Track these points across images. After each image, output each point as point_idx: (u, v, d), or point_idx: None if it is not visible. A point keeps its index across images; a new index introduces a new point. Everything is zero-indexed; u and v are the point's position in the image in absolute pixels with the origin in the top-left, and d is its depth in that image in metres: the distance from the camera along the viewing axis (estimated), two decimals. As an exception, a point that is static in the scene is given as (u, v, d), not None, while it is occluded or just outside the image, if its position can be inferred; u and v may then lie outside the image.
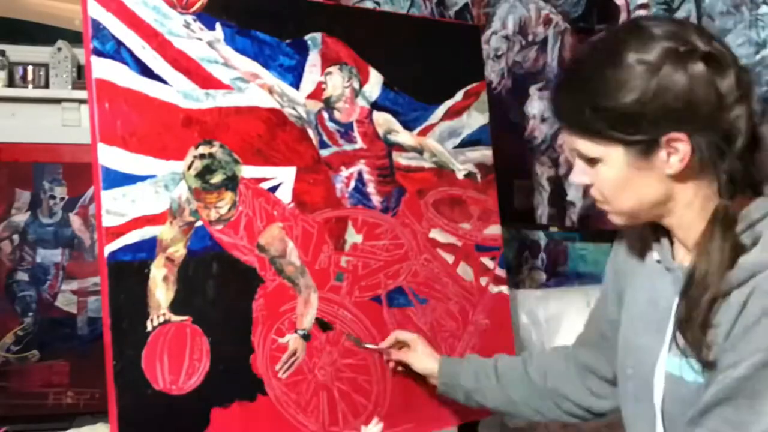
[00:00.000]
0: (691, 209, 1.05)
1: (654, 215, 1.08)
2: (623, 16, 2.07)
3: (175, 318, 1.32)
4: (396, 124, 1.67)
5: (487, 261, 1.78)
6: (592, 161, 1.06)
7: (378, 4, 2.48)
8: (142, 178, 1.31)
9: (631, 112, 0.99)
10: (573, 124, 1.06)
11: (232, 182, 1.41)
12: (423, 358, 1.51)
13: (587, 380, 1.34)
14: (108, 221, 1.27)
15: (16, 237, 2.00)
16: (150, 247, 1.31)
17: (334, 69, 1.59)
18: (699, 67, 0.98)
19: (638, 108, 0.99)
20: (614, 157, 1.03)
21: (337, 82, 1.59)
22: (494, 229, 1.81)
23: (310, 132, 1.54)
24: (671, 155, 1.00)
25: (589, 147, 1.05)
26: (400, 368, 1.56)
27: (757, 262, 0.96)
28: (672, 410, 1.06)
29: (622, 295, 1.22)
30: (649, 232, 1.15)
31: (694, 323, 1.00)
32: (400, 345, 1.54)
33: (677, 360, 1.05)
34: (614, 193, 1.07)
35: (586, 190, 1.15)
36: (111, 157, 1.29)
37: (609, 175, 1.05)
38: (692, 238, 1.06)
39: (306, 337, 1.47)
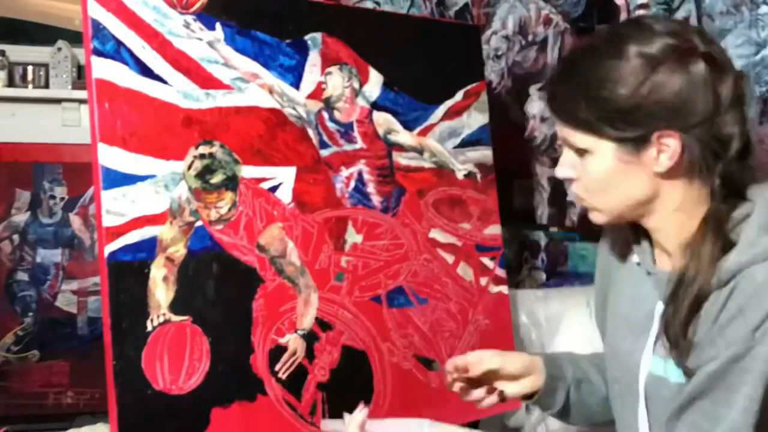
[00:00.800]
0: (675, 211, 1.03)
1: (636, 215, 1.06)
2: (623, 16, 2.07)
3: (175, 318, 1.32)
4: (396, 124, 1.67)
5: (487, 261, 1.78)
6: (581, 152, 1.04)
7: (378, 4, 2.48)
8: (142, 178, 1.31)
9: (625, 106, 0.98)
10: (566, 114, 1.04)
11: (232, 182, 1.41)
12: (516, 358, 1.23)
13: None
14: (108, 221, 1.27)
15: (16, 237, 2.00)
16: (150, 247, 1.31)
17: (334, 69, 1.59)
18: (699, 67, 0.97)
19: (633, 102, 0.97)
20: (604, 150, 1.01)
21: (337, 82, 1.59)
22: (494, 229, 1.81)
23: (310, 132, 1.54)
24: (661, 153, 0.99)
25: (579, 138, 1.03)
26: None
27: (739, 262, 0.97)
28: (656, 410, 1.07)
29: (606, 297, 1.22)
30: (629, 233, 1.13)
31: (677, 325, 1.00)
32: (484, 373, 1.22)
33: (662, 361, 1.06)
34: (599, 189, 1.05)
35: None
36: (111, 157, 1.29)
37: (597, 168, 1.03)
38: (674, 241, 1.04)
39: (306, 337, 1.47)
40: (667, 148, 0.98)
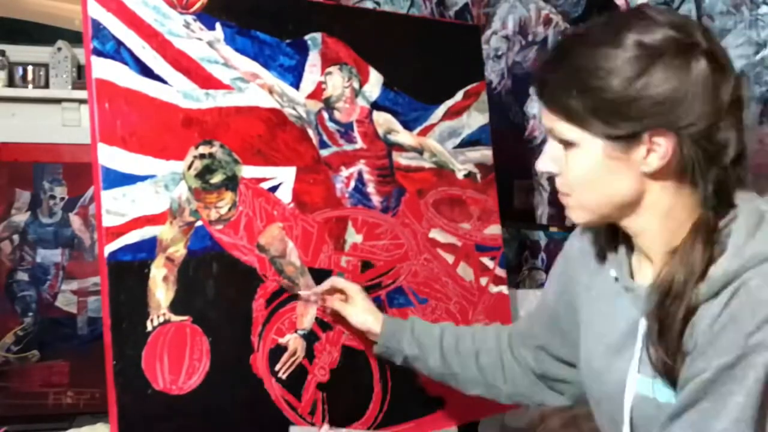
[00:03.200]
0: (662, 216, 0.98)
1: (619, 216, 1.01)
2: (623, 16, 2.07)
3: (175, 318, 1.32)
4: (396, 124, 1.67)
5: (487, 261, 1.78)
6: (566, 144, 0.98)
7: (378, 4, 2.48)
8: (142, 178, 1.31)
9: (619, 99, 0.92)
10: (554, 102, 0.97)
11: (232, 182, 1.41)
12: (361, 313, 1.42)
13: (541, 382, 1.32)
14: (108, 221, 1.27)
15: (16, 237, 2.00)
16: (150, 247, 1.31)
17: (334, 69, 1.59)
18: (701, 65, 0.91)
19: (627, 96, 0.91)
20: (591, 144, 0.95)
21: (337, 82, 1.59)
22: (494, 229, 1.81)
23: (310, 132, 1.54)
24: (651, 152, 0.94)
25: (567, 129, 0.97)
26: (336, 319, 1.48)
27: (729, 270, 0.92)
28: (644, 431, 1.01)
29: (576, 307, 1.17)
30: (604, 239, 1.09)
31: (669, 338, 0.95)
32: (338, 293, 1.46)
33: (649, 381, 1.00)
34: (583, 184, 0.99)
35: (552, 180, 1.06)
36: (111, 157, 1.29)
37: (582, 163, 0.97)
38: (659, 247, 0.99)
39: (306, 337, 1.47)
40: (659, 148, 0.93)
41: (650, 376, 1.00)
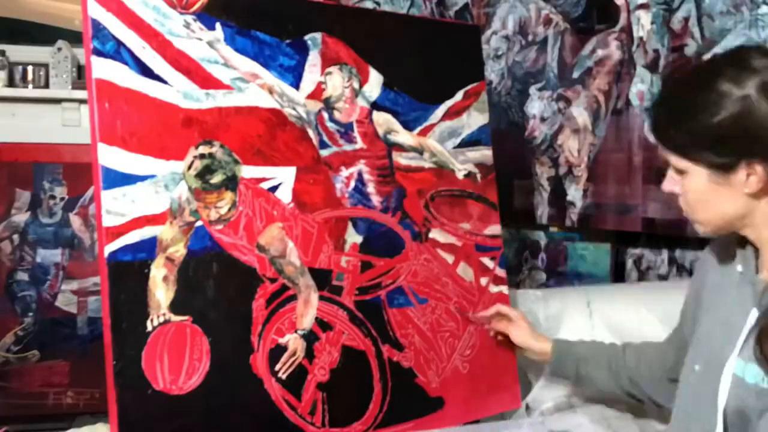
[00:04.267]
0: None
1: (735, 228, 1.17)
2: (623, 16, 2.07)
3: (175, 318, 1.32)
4: (396, 124, 1.67)
5: (487, 261, 1.78)
6: (680, 172, 1.16)
7: (378, 4, 2.49)
8: (142, 178, 1.31)
9: (715, 134, 1.09)
10: (663, 139, 1.17)
11: (232, 182, 1.41)
12: (523, 333, 1.64)
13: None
14: (108, 221, 1.27)
15: (16, 237, 2.00)
16: (150, 247, 1.31)
17: (334, 69, 1.59)
18: None
19: (722, 132, 1.08)
20: (697, 173, 1.13)
21: (337, 82, 1.59)
22: (494, 229, 1.81)
23: (310, 132, 1.54)
24: (750, 176, 1.09)
25: (676, 160, 1.15)
26: (499, 337, 1.71)
27: None
28: (731, 408, 1.12)
29: (701, 302, 1.29)
30: (735, 243, 1.22)
31: None
32: (501, 318, 1.68)
33: (743, 363, 1.12)
34: (695, 206, 1.17)
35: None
36: (111, 157, 1.29)
37: (692, 187, 1.15)
38: None
39: (306, 337, 1.47)
40: (756, 173, 1.08)
41: (745, 360, 1.12)
